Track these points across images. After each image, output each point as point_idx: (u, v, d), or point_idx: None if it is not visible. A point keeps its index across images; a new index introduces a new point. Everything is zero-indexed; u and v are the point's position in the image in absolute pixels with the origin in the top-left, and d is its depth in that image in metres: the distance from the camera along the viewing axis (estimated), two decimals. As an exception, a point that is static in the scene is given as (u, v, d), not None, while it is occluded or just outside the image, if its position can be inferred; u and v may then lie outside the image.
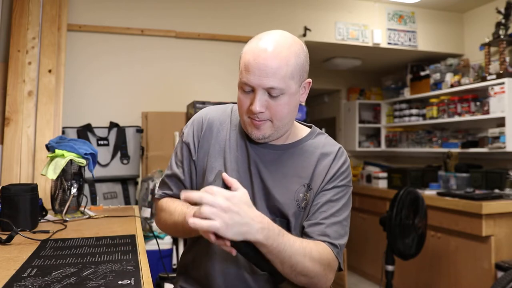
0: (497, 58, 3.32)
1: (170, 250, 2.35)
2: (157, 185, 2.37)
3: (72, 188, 1.55)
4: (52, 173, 1.50)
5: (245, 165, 1.06)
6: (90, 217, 1.53)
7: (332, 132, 4.93)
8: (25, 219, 1.26)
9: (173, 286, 1.18)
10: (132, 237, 1.19)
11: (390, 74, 4.75)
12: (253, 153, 1.06)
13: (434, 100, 3.87)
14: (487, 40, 3.32)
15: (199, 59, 3.10)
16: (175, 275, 1.23)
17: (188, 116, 2.79)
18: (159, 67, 3.01)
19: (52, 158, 1.54)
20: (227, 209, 0.79)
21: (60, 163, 1.50)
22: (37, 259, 0.96)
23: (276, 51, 0.94)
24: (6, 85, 2.45)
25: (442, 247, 3.03)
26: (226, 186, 0.86)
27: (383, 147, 4.63)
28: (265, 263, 0.91)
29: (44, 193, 2.17)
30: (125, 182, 2.70)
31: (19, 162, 2.38)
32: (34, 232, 1.22)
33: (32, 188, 1.30)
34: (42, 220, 1.46)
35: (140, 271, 0.87)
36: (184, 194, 0.82)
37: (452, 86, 3.65)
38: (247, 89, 0.98)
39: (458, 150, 3.54)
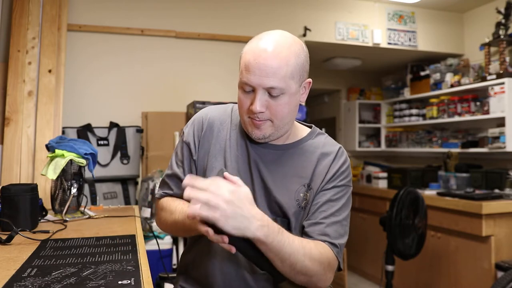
0: (497, 58, 3.32)
1: (170, 250, 2.34)
2: (157, 185, 2.38)
3: (72, 188, 1.55)
4: (52, 173, 1.50)
5: (246, 164, 1.06)
6: (90, 217, 1.53)
7: (332, 132, 4.93)
8: (25, 219, 1.26)
9: (173, 286, 1.18)
10: (132, 237, 1.19)
11: (390, 74, 4.75)
12: (253, 152, 1.06)
13: (434, 100, 3.87)
14: (487, 40, 3.32)
15: (199, 59, 3.10)
16: (175, 275, 1.23)
17: (188, 116, 2.79)
18: (159, 67, 3.01)
19: (52, 158, 1.53)
20: (229, 201, 0.79)
21: (60, 163, 1.50)
22: (37, 259, 0.96)
23: (276, 51, 0.94)
24: (6, 85, 2.45)
25: (442, 247, 3.03)
26: None
27: (383, 147, 4.63)
28: (265, 262, 0.91)
29: (44, 193, 2.17)
30: (125, 182, 2.70)
31: (19, 162, 2.38)
32: (34, 232, 1.22)
33: (32, 188, 1.30)
34: (42, 220, 1.46)
35: (140, 271, 0.87)
36: (189, 180, 0.82)
37: (452, 86, 3.65)
38: (248, 89, 0.98)
39: (458, 150, 3.54)
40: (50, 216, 1.53)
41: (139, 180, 2.77)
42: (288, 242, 0.88)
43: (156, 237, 1.85)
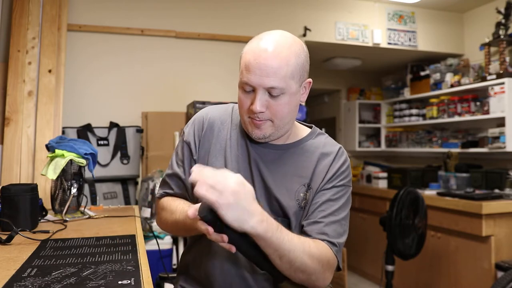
0: (497, 58, 3.32)
1: (170, 250, 2.34)
2: (157, 185, 2.38)
3: (72, 188, 1.55)
4: (52, 173, 1.50)
5: (246, 164, 1.06)
6: (90, 217, 1.53)
7: (332, 132, 4.93)
8: (25, 219, 1.26)
9: (173, 285, 1.18)
10: (132, 237, 1.19)
11: (390, 74, 4.75)
12: (253, 152, 1.06)
13: (434, 100, 3.87)
14: (487, 40, 3.32)
15: (199, 59, 3.10)
16: (175, 275, 1.23)
17: (188, 116, 2.79)
18: (159, 67, 3.01)
19: (52, 158, 1.53)
20: (235, 191, 0.79)
21: (60, 163, 1.50)
22: (37, 259, 0.96)
23: (277, 51, 0.95)
24: (6, 85, 2.45)
25: (442, 247, 3.03)
26: None
27: (383, 147, 4.63)
28: (265, 262, 0.91)
29: (44, 193, 2.17)
30: (125, 182, 2.70)
31: (19, 162, 2.38)
32: (34, 232, 1.22)
33: (32, 188, 1.30)
34: (42, 220, 1.46)
35: (140, 271, 0.87)
36: (198, 168, 0.82)
37: (452, 86, 3.65)
38: (248, 88, 0.98)
39: (458, 150, 3.54)
40: (50, 216, 1.53)
41: (139, 180, 2.77)
42: (287, 239, 0.88)
43: (156, 237, 1.85)
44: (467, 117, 3.43)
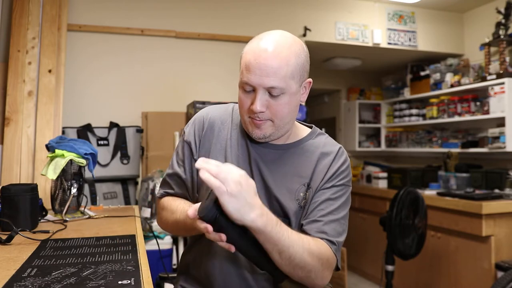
0: (497, 58, 3.32)
1: (170, 250, 2.34)
2: (157, 185, 2.39)
3: (72, 188, 1.55)
4: (52, 173, 1.50)
5: (246, 164, 1.06)
6: (90, 217, 1.53)
7: (332, 132, 4.93)
8: (25, 219, 1.26)
9: (174, 285, 1.18)
10: (132, 237, 1.19)
11: (390, 74, 4.75)
12: (254, 152, 1.07)
13: (434, 100, 3.87)
14: (487, 40, 3.32)
15: (199, 59, 3.10)
16: (175, 275, 1.23)
17: (188, 116, 2.79)
18: (159, 67, 3.01)
19: (52, 158, 1.53)
20: (238, 181, 0.80)
21: (60, 163, 1.50)
22: (37, 259, 0.96)
23: (277, 51, 0.95)
24: (6, 85, 2.45)
25: (442, 247, 3.03)
26: None
27: (383, 147, 4.63)
28: (264, 261, 0.91)
29: (44, 193, 2.17)
30: (125, 182, 2.70)
31: (19, 162, 2.38)
32: (34, 232, 1.22)
33: (32, 188, 1.30)
34: (42, 220, 1.46)
35: (140, 271, 0.87)
36: (203, 161, 0.82)
37: (452, 86, 3.65)
38: (248, 88, 0.98)
39: (458, 150, 3.54)
40: (50, 216, 1.53)
41: (139, 180, 2.77)
42: (286, 234, 0.88)
43: (156, 237, 1.85)
44: (467, 117, 3.43)
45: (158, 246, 1.56)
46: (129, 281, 0.80)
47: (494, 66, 3.25)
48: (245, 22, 3.22)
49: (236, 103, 1.10)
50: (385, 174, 3.86)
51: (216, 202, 0.81)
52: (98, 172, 2.55)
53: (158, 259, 1.74)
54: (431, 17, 3.86)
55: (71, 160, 1.53)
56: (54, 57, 2.54)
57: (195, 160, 1.10)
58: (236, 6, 3.22)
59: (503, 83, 3.06)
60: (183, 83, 3.05)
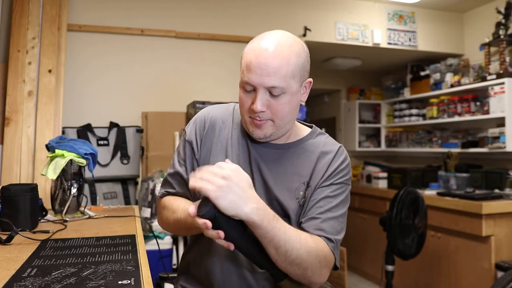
0: (497, 58, 3.32)
1: (170, 250, 2.34)
2: (157, 185, 2.39)
3: (72, 188, 1.55)
4: (52, 173, 1.50)
5: (247, 163, 1.06)
6: (90, 217, 1.53)
7: (332, 132, 4.93)
8: (25, 219, 1.26)
9: (174, 285, 1.18)
10: (132, 237, 1.19)
11: (390, 74, 4.75)
12: (254, 152, 1.07)
13: (434, 100, 3.87)
14: (487, 40, 3.32)
15: (199, 59, 3.10)
16: (175, 275, 1.23)
17: (188, 116, 2.79)
18: (159, 67, 3.01)
19: (52, 158, 1.53)
20: (225, 175, 0.82)
21: (60, 163, 1.50)
22: (37, 259, 0.96)
23: (277, 50, 0.95)
24: (6, 85, 2.45)
25: (442, 247, 3.03)
26: None
27: (383, 147, 4.63)
28: (264, 260, 0.91)
29: (44, 193, 2.17)
30: (125, 182, 2.70)
31: (19, 162, 2.38)
32: (34, 232, 1.22)
33: (32, 188, 1.30)
34: (42, 220, 1.46)
35: (140, 271, 0.87)
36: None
37: (452, 86, 3.65)
38: (249, 88, 0.98)
39: (458, 150, 3.54)
40: (50, 216, 1.53)
41: (139, 180, 2.77)
42: (283, 230, 0.88)
43: (156, 237, 1.85)
44: (467, 117, 3.43)
45: (158, 246, 1.57)
46: (129, 281, 0.80)
47: (494, 66, 3.25)
48: (245, 22, 3.22)
49: (237, 102, 1.10)
50: (385, 174, 3.86)
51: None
52: (98, 172, 2.55)
53: (158, 259, 1.74)
54: (431, 17, 3.86)
55: (71, 160, 1.53)
56: (54, 57, 2.54)
57: (197, 160, 1.10)
58: (236, 6, 3.22)
59: (503, 83, 3.06)
60: (183, 83, 3.05)
